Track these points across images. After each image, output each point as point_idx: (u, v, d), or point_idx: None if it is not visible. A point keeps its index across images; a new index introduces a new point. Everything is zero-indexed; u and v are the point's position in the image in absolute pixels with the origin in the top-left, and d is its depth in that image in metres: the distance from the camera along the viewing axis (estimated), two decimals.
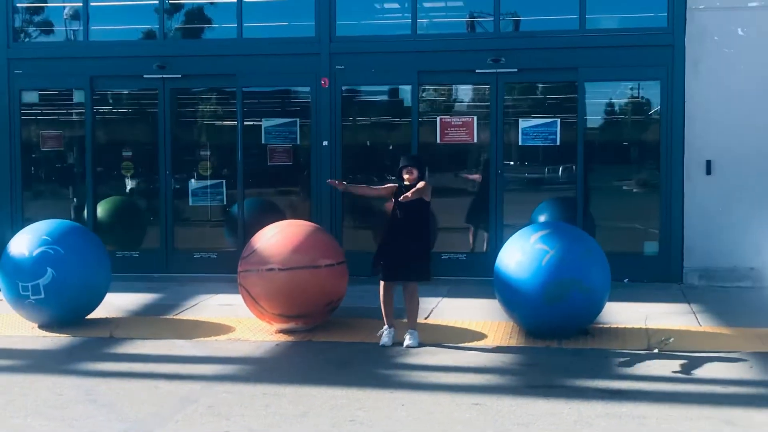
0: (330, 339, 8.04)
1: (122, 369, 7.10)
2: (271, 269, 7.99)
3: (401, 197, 7.64)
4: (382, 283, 7.86)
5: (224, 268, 11.28)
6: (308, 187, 11.44)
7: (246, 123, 11.44)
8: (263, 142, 11.47)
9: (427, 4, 11.40)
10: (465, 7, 11.50)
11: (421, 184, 7.70)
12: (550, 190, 11.37)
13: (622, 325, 8.39)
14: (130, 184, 12.04)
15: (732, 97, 10.43)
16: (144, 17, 11.77)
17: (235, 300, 9.58)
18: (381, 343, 7.76)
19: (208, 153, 11.79)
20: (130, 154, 11.86)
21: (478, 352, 7.56)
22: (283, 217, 10.39)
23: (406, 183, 7.82)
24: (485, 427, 5.62)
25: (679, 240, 10.65)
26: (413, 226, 7.83)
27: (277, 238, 8.20)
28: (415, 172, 7.82)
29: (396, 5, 11.67)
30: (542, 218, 11.10)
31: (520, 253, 7.90)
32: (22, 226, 11.62)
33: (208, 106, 12.02)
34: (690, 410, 5.89)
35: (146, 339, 8.08)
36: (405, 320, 7.94)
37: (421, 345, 7.70)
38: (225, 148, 11.71)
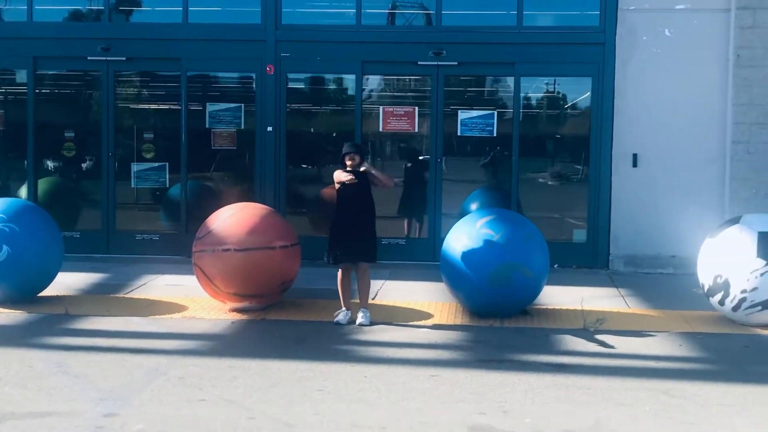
0: (283, 318, 8.34)
1: (86, 343, 7.29)
2: (227, 249, 8.24)
3: (361, 168, 8.10)
4: (340, 268, 8.19)
5: (166, 249, 11.49)
6: (252, 172, 11.66)
7: (190, 107, 11.60)
8: (207, 126, 11.64)
9: None
10: (408, 0, 11.85)
11: (380, 174, 8.17)
12: (486, 179, 11.85)
13: (558, 307, 8.90)
14: (72, 165, 12.07)
15: (658, 95, 11.03)
16: None
17: (183, 280, 9.83)
18: (335, 320, 8.10)
19: (152, 136, 11.89)
20: (72, 135, 11.88)
21: (428, 330, 7.97)
22: (226, 201, 10.51)
23: (349, 169, 8.20)
24: (444, 396, 6.03)
25: (606, 228, 11.24)
26: (362, 210, 8.23)
27: (233, 219, 8.44)
28: (357, 158, 8.24)
29: None
30: (474, 206, 11.53)
31: (467, 238, 8.31)
32: None
33: (152, 90, 12.13)
34: (629, 382, 6.41)
35: (102, 316, 8.26)
36: (356, 300, 8.30)
37: (372, 323, 8.07)
38: (169, 131, 11.83)
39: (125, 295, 9.26)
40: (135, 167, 11.78)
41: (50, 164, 12.08)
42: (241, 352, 7.10)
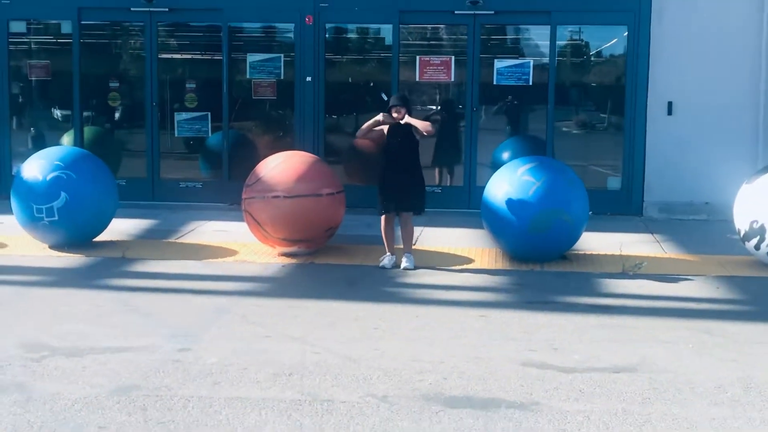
0: (331, 262, 8.64)
1: (148, 285, 7.64)
2: (277, 196, 8.52)
3: (402, 120, 8.31)
4: (383, 215, 8.48)
5: (209, 196, 11.82)
6: (291, 121, 11.92)
7: (232, 57, 11.83)
8: (248, 76, 11.88)
9: None
10: None
11: (419, 123, 8.40)
12: (521, 128, 12.05)
13: (596, 252, 9.15)
14: (116, 115, 12.37)
15: (693, 43, 11.16)
16: None
17: (229, 226, 10.16)
18: (381, 265, 8.40)
19: (194, 86, 12.13)
20: (117, 85, 12.17)
21: (471, 274, 8.26)
22: (266, 150, 10.82)
23: (395, 122, 8.46)
24: (495, 334, 6.33)
25: (640, 176, 11.45)
26: (408, 160, 8.49)
27: (281, 167, 8.71)
28: (403, 111, 8.49)
29: None
30: (506, 155, 11.72)
31: (508, 185, 8.55)
32: (8, 154, 12.01)
33: (194, 40, 12.35)
34: (671, 322, 6.68)
35: (158, 260, 8.59)
36: (400, 246, 8.59)
37: (416, 267, 8.36)
38: (211, 81, 12.05)
39: (177, 240, 9.60)
40: (178, 117, 12.04)
41: (95, 113, 12.37)
42: (296, 293, 7.43)
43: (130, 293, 7.31)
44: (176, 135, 12.12)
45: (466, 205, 11.48)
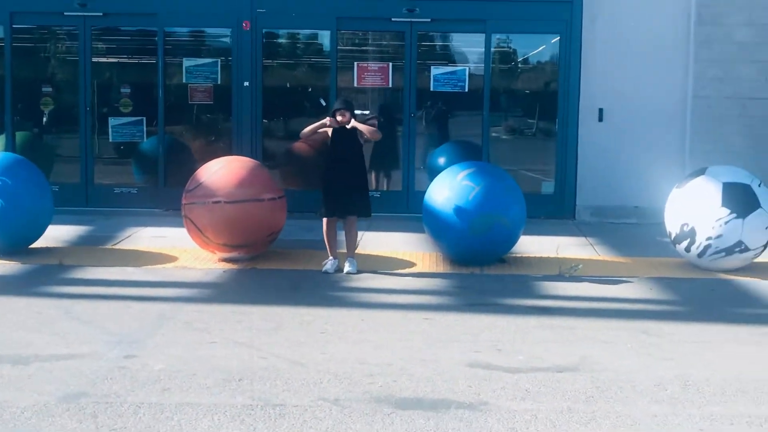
0: (272, 267, 8.65)
1: (88, 292, 7.55)
2: (218, 202, 8.50)
3: (348, 125, 8.39)
4: (325, 219, 8.51)
5: (144, 202, 11.72)
6: (228, 126, 11.89)
7: (167, 62, 11.74)
8: (184, 81, 11.80)
9: None
10: None
11: (364, 127, 8.49)
12: (458, 133, 12.21)
13: (533, 255, 9.34)
14: (49, 120, 12.15)
15: (623, 51, 11.45)
16: None
17: (166, 232, 10.10)
18: (324, 269, 8.44)
19: (129, 91, 11.97)
20: (50, 89, 11.98)
21: (413, 278, 8.35)
22: (203, 156, 10.78)
23: (338, 125, 8.52)
24: (439, 336, 6.43)
25: (572, 180, 11.70)
26: (353, 164, 8.56)
27: (222, 172, 8.69)
28: (348, 114, 8.54)
29: None
30: (441, 160, 11.87)
31: (448, 190, 8.68)
32: None
33: (129, 45, 12.21)
34: (609, 323, 6.87)
35: (96, 266, 8.49)
36: (343, 250, 8.64)
37: (359, 272, 8.42)
38: (146, 86, 11.93)
39: (114, 246, 9.49)
40: (112, 121, 11.90)
41: (27, 118, 12.15)
42: (240, 298, 7.42)
43: (70, 300, 7.21)
44: (111, 140, 11.96)
45: (405, 209, 11.58)
